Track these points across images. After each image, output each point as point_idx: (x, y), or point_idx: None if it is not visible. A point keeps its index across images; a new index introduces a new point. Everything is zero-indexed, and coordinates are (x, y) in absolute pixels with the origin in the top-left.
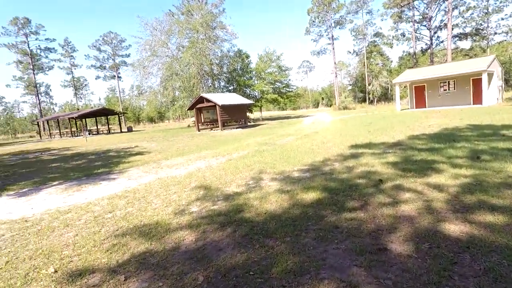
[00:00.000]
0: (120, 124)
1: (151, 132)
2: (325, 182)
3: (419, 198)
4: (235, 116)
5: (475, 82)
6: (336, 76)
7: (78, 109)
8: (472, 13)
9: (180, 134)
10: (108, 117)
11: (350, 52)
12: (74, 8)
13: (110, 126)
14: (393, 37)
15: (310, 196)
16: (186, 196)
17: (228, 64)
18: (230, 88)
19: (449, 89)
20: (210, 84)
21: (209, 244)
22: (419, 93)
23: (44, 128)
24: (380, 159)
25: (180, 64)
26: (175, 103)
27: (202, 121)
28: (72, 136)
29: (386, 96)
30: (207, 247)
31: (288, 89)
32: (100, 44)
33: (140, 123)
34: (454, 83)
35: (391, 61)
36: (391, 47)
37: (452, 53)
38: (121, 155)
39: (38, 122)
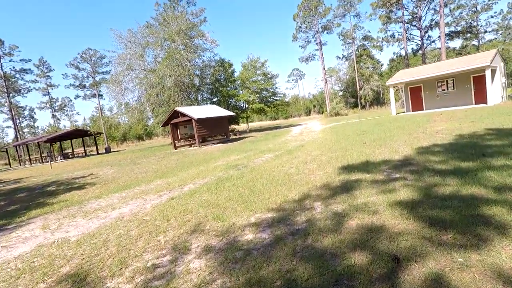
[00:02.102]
0: (96, 146)
1: (128, 152)
2: (291, 261)
3: None
4: (215, 130)
5: (476, 80)
6: (326, 82)
7: (56, 131)
8: (461, 12)
9: (156, 153)
10: (94, 137)
11: (339, 57)
12: (48, 26)
13: (88, 148)
14: (382, 39)
15: None
16: None
17: (210, 74)
18: (214, 100)
19: (447, 89)
20: (193, 97)
21: None
22: (415, 95)
23: (19, 155)
24: (386, 195)
25: (156, 77)
26: (153, 119)
27: (179, 137)
28: (43, 162)
29: (378, 100)
30: None
31: (275, 98)
32: (78, 62)
33: (126, 141)
34: (453, 82)
35: (382, 65)
36: (381, 49)
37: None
38: (57, 191)
39: (6, 149)
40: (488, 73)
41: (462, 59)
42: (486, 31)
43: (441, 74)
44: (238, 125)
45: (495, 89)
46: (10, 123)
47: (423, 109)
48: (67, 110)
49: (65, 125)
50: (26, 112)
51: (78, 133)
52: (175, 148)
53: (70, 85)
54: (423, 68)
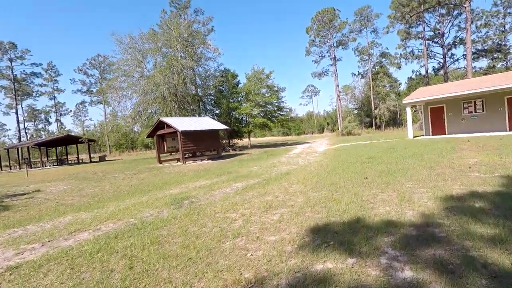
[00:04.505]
0: (90, 153)
1: (119, 163)
2: None
3: None
4: (205, 145)
5: None
6: (339, 100)
7: (57, 135)
8: (488, 31)
9: (137, 167)
10: (88, 145)
11: (355, 74)
12: (59, 32)
13: (81, 155)
14: (401, 55)
15: None
16: None
17: (213, 85)
18: (216, 111)
19: (476, 111)
20: (193, 108)
21: None
22: (437, 116)
23: (19, 158)
24: None
25: (149, 83)
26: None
27: (166, 150)
28: (20, 168)
29: (394, 120)
30: None
31: (280, 112)
32: (87, 68)
33: (133, 150)
34: (483, 103)
35: (400, 83)
36: (399, 67)
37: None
38: None
39: None
40: None
41: (494, 76)
42: None
43: (468, 93)
44: (241, 139)
45: None
46: (26, 125)
47: (445, 133)
48: (80, 115)
49: (75, 129)
50: (42, 116)
51: (70, 139)
52: (160, 162)
53: (77, 91)
54: (446, 86)
